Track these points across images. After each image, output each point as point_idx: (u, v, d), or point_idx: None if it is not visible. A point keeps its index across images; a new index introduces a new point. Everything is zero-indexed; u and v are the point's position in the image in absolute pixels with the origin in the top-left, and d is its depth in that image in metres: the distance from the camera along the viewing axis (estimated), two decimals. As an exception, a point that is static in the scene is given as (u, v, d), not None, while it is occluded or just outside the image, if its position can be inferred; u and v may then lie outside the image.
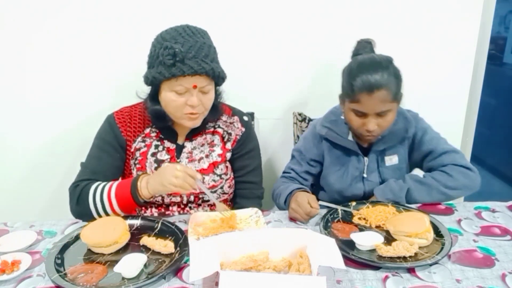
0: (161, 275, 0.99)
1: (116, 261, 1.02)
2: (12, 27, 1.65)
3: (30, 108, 1.75)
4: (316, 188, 1.59)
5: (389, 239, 1.14)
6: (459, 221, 1.26)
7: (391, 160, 1.45)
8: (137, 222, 1.23)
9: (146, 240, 1.13)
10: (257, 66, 1.81)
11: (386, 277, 1.00)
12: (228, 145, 1.44)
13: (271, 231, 1.17)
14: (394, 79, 1.28)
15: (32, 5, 1.63)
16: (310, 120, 1.77)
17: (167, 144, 1.40)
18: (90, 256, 1.08)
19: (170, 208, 1.40)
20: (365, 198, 1.43)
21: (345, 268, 0.96)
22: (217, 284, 0.93)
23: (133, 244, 1.14)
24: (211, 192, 1.38)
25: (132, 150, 1.39)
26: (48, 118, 1.78)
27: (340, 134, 1.44)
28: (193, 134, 1.41)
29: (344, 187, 1.46)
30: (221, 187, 1.40)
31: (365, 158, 1.45)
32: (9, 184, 1.85)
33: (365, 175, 1.45)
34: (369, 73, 1.26)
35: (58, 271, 1.00)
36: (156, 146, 1.39)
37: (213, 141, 1.43)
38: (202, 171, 1.38)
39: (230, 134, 1.44)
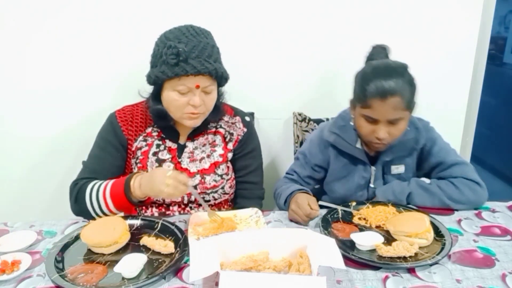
0: (161, 275, 0.99)
1: (116, 261, 1.02)
2: (12, 27, 1.64)
3: (31, 108, 1.75)
4: (318, 192, 1.56)
5: (389, 239, 1.14)
6: (459, 221, 1.26)
7: (398, 169, 1.42)
8: (137, 222, 1.23)
9: (146, 240, 1.13)
10: (257, 66, 1.80)
11: (386, 277, 1.00)
12: (230, 145, 1.44)
13: (271, 231, 1.17)
14: (409, 87, 1.24)
15: (32, 5, 1.63)
16: (310, 120, 1.77)
17: (169, 143, 1.40)
18: (90, 256, 1.08)
19: (171, 208, 1.40)
20: (367, 202, 1.42)
21: (345, 268, 0.96)
22: (217, 284, 0.93)
23: (133, 244, 1.14)
24: (212, 192, 1.38)
25: (133, 149, 1.39)
26: (49, 118, 1.77)
27: (349, 141, 1.40)
28: (194, 134, 1.41)
29: (348, 194, 1.44)
30: (222, 187, 1.40)
31: (372, 168, 1.42)
32: (9, 184, 1.85)
33: (371, 185, 1.42)
34: (383, 78, 1.22)
35: (58, 271, 1.00)
36: (158, 146, 1.39)
37: (214, 141, 1.43)
38: (203, 171, 1.38)
39: (232, 134, 1.44)
